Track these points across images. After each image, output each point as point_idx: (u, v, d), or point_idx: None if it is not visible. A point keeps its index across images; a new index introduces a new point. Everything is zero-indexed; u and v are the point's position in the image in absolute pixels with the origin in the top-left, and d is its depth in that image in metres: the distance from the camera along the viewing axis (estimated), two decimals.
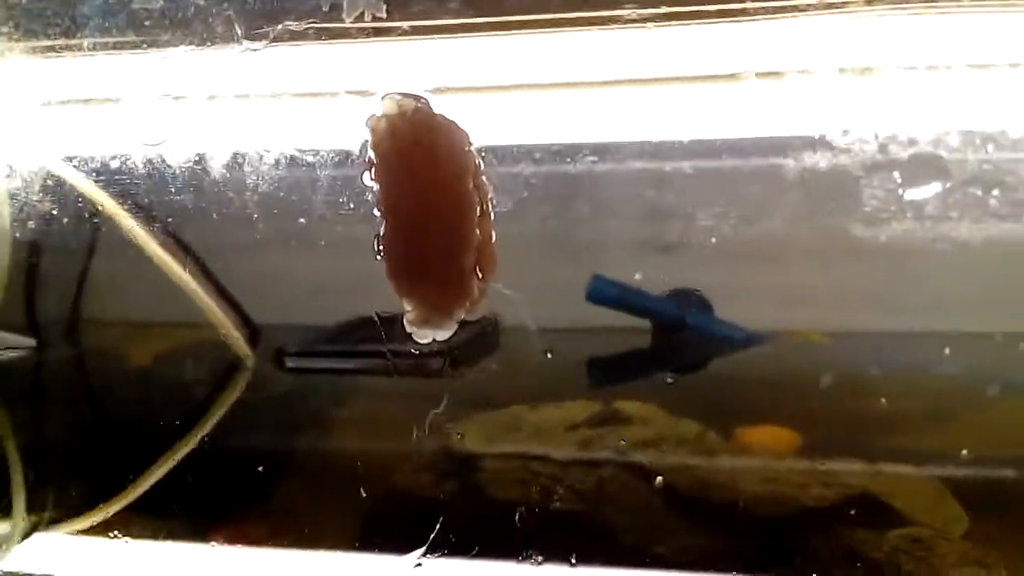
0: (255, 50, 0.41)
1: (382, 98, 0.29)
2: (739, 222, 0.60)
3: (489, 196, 0.31)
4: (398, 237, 0.30)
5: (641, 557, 0.42)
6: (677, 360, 0.64)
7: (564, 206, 0.62)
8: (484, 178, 0.30)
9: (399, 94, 0.29)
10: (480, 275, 0.31)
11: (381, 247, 0.30)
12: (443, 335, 0.33)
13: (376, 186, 0.30)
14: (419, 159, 0.29)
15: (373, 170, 0.30)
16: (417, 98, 0.29)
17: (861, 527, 0.43)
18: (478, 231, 0.31)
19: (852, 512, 0.44)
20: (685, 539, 0.44)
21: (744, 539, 0.44)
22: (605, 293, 0.64)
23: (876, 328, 0.59)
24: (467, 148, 0.30)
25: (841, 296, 0.60)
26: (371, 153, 0.29)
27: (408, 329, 0.32)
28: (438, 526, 0.39)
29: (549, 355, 0.49)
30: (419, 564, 0.39)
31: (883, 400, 0.51)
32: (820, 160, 0.58)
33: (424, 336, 0.33)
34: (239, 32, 0.41)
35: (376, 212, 0.30)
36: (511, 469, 0.47)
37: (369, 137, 0.29)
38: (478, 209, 0.30)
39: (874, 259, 0.57)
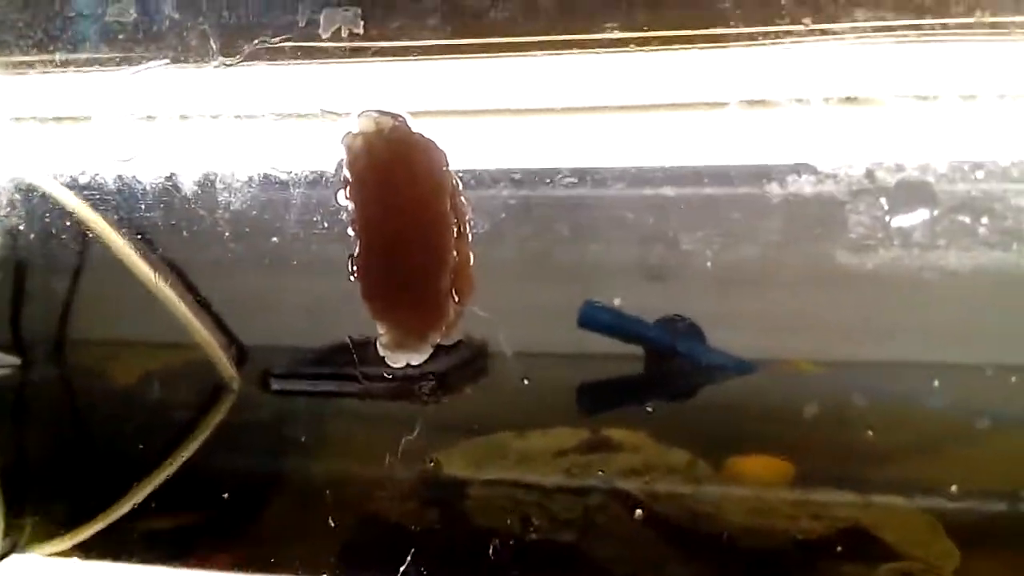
0: (229, 65, 0.40)
1: (358, 115, 0.28)
2: (730, 249, 0.60)
3: (467, 217, 0.30)
4: (373, 258, 0.29)
5: None
6: (668, 387, 0.64)
7: (550, 233, 0.62)
8: (462, 199, 0.30)
9: (376, 111, 0.28)
10: (456, 298, 0.31)
11: (355, 268, 0.30)
12: (417, 359, 0.32)
13: (351, 205, 0.29)
14: (395, 178, 0.29)
15: (348, 189, 0.29)
16: (395, 116, 0.29)
17: (851, 561, 0.42)
18: (455, 252, 0.30)
19: (842, 545, 0.43)
20: (673, 570, 0.43)
21: (732, 572, 0.43)
22: (597, 319, 0.63)
23: (867, 358, 0.58)
24: (445, 168, 0.29)
25: (832, 325, 0.60)
26: (346, 171, 0.29)
27: (381, 353, 0.32)
28: (412, 554, 0.39)
29: (526, 381, 0.48)
30: None
31: (873, 431, 0.51)
32: (810, 188, 0.58)
33: (397, 360, 0.32)
34: (214, 48, 0.41)
35: (350, 232, 0.29)
36: (496, 497, 0.47)
37: (344, 155, 0.28)
38: (455, 230, 0.30)
39: (865, 288, 0.57)
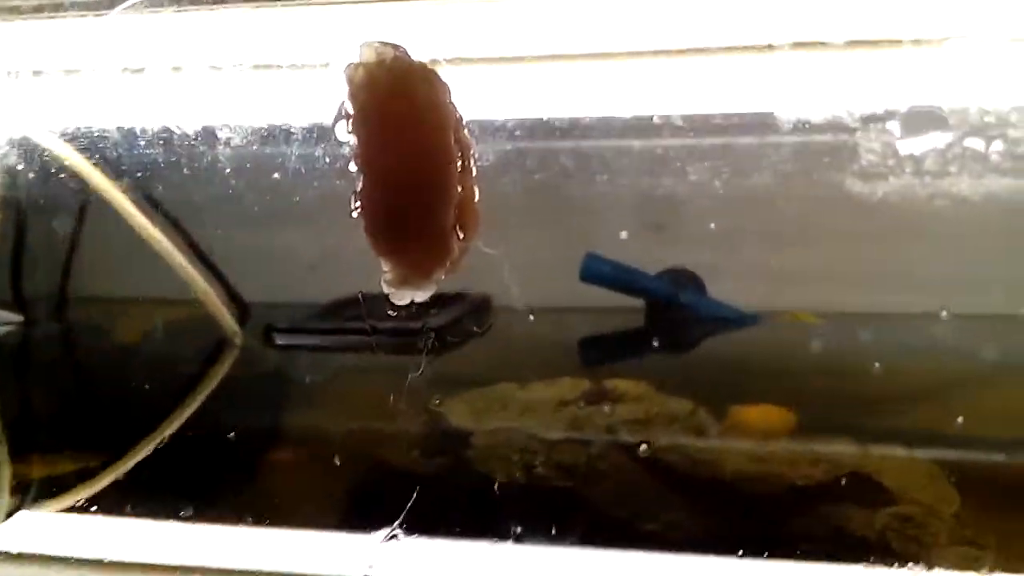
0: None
1: (360, 45, 0.28)
2: (732, 201, 0.60)
3: (472, 152, 0.30)
4: (375, 193, 0.29)
5: (629, 534, 0.42)
6: (670, 339, 0.64)
7: (554, 186, 0.62)
8: (466, 132, 0.29)
9: (378, 42, 0.28)
10: (461, 234, 0.30)
11: (358, 203, 0.29)
12: (422, 296, 0.32)
13: (353, 139, 0.29)
14: (398, 110, 0.28)
15: (350, 122, 0.29)
16: (396, 47, 0.28)
17: (851, 505, 0.42)
18: (459, 187, 0.29)
19: (842, 490, 0.43)
20: (674, 517, 0.43)
21: (733, 517, 0.43)
22: (598, 271, 0.63)
23: (867, 308, 0.58)
24: (448, 99, 0.29)
25: (833, 275, 0.60)
26: (347, 104, 0.28)
27: (385, 289, 0.31)
28: (416, 502, 0.39)
29: (532, 317, 0.48)
30: (394, 536, 0.38)
31: (874, 379, 0.51)
32: (814, 139, 0.57)
33: (402, 297, 0.32)
34: None
35: (352, 167, 0.29)
36: (499, 445, 0.47)
37: (346, 87, 0.28)
38: (459, 164, 0.29)
39: (866, 238, 0.57)
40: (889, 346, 0.57)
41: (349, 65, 0.28)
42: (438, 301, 0.59)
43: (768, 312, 0.62)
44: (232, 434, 0.52)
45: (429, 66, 0.28)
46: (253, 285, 0.64)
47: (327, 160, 0.60)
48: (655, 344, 0.64)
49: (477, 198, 0.31)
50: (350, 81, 0.28)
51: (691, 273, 0.63)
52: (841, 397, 0.52)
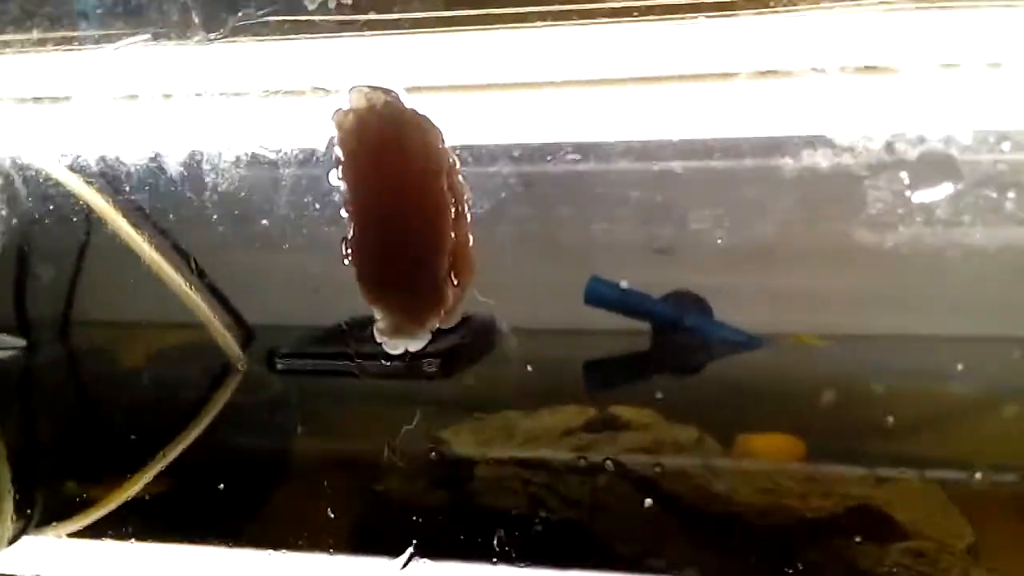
0: (212, 41, 0.39)
1: (349, 91, 0.27)
2: (738, 224, 0.59)
3: (465, 197, 0.29)
4: (367, 240, 0.28)
5: (634, 568, 0.41)
6: (676, 363, 0.63)
7: (553, 210, 0.61)
8: (460, 178, 0.29)
9: (367, 87, 0.27)
10: (455, 281, 0.30)
11: (349, 250, 0.29)
12: (415, 346, 0.31)
13: (343, 185, 0.28)
14: (389, 157, 0.28)
15: (340, 168, 0.28)
16: (387, 91, 0.28)
17: (862, 540, 0.41)
18: (453, 234, 0.29)
19: (853, 524, 0.42)
20: (681, 550, 0.42)
21: (742, 551, 0.42)
22: (602, 295, 0.63)
23: (876, 332, 0.58)
24: (441, 145, 0.28)
25: (841, 299, 0.59)
26: (338, 150, 0.28)
27: (378, 339, 0.31)
28: (419, 534, 0.38)
29: (529, 368, 0.48)
30: (398, 566, 0.38)
31: (884, 407, 0.50)
32: (820, 161, 0.57)
33: (395, 347, 0.31)
34: (197, 21, 0.40)
35: (344, 213, 0.28)
36: (503, 476, 0.46)
37: (335, 133, 0.27)
38: (453, 210, 0.29)
39: (874, 262, 0.56)
40: (900, 372, 0.56)
41: (338, 111, 0.27)
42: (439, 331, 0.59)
43: (774, 335, 0.62)
44: (236, 459, 0.52)
45: (420, 112, 0.27)
46: (257, 308, 0.64)
47: (329, 184, 0.60)
48: (661, 369, 0.63)
49: (471, 244, 0.30)
50: (339, 127, 0.27)
51: (696, 296, 0.63)
52: (850, 423, 0.52)
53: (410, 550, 0.38)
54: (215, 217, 0.59)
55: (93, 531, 0.50)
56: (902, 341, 0.58)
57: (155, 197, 0.58)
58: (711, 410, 0.54)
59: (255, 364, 0.60)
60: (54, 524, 0.51)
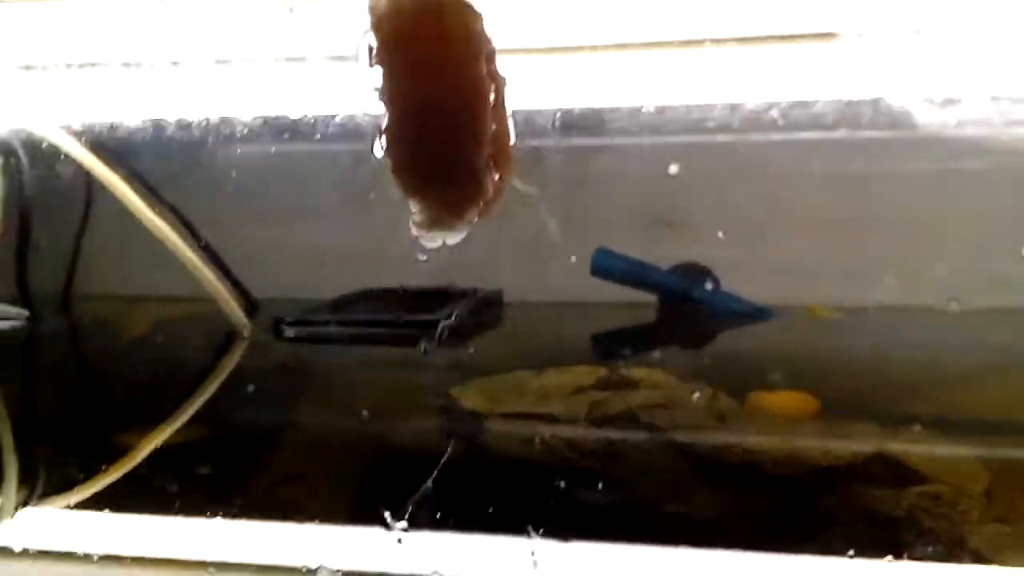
0: None
1: None
2: (746, 194, 0.59)
3: (505, 87, 0.29)
4: (403, 129, 0.28)
5: (650, 518, 0.41)
6: (683, 334, 0.63)
7: (566, 181, 0.61)
8: (498, 68, 0.28)
9: None
10: (495, 172, 0.29)
11: (384, 141, 0.28)
12: (453, 239, 0.30)
13: (378, 72, 0.28)
14: (425, 40, 0.27)
15: (374, 54, 0.28)
16: None
17: (878, 486, 0.41)
18: (493, 124, 0.28)
19: (868, 472, 0.42)
20: (698, 497, 0.42)
21: (758, 498, 0.42)
22: (609, 266, 0.63)
23: (887, 301, 0.58)
24: (481, 28, 0.27)
25: (850, 269, 0.59)
26: (371, 35, 0.27)
27: (415, 232, 0.30)
28: (430, 490, 0.38)
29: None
30: (406, 529, 0.37)
31: (896, 368, 0.50)
32: (829, 130, 0.57)
33: (432, 240, 0.30)
34: None
35: (378, 102, 0.28)
36: (514, 430, 0.46)
37: (368, 17, 0.27)
38: (492, 99, 0.28)
39: (881, 230, 0.56)
40: (907, 337, 0.56)
41: None
42: (448, 296, 0.59)
43: (784, 307, 0.62)
44: (241, 426, 0.51)
45: None
46: (261, 282, 0.63)
47: (337, 155, 0.60)
48: (669, 340, 0.63)
49: (513, 138, 0.30)
50: (372, 10, 0.27)
51: (704, 267, 0.63)
52: (863, 386, 0.52)
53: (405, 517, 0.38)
54: (220, 189, 0.58)
55: (96, 502, 0.49)
56: (913, 312, 0.59)
57: (158, 166, 0.57)
58: (721, 377, 0.54)
59: (260, 332, 0.59)
60: (57, 496, 0.50)
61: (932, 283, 0.57)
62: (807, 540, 0.37)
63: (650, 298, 0.63)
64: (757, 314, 0.61)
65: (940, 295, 0.54)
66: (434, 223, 0.29)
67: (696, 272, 0.63)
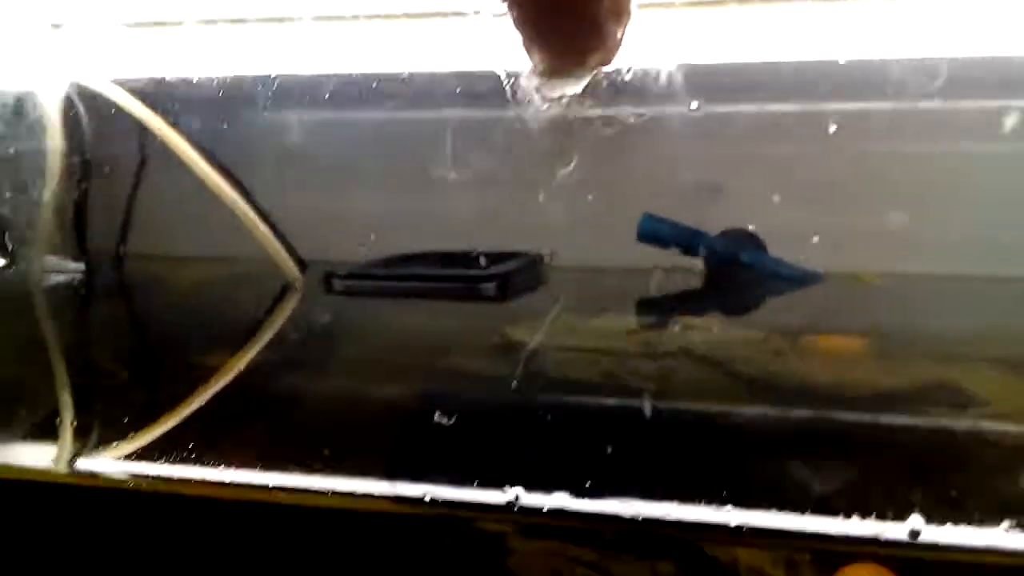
0: None
1: None
2: (793, 162, 0.59)
3: None
4: None
5: (705, 432, 0.40)
6: (730, 299, 0.63)
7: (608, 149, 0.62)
8: None
9: None
10: (615, 20, 0.29)
11: None
12: (574, 88, 0.30)
13: None
14: None
15: None
16: None
17: (935, 410, 0.41)
18: None
19: (926, 396, 0.42)
20: (751, 417, 0.42)
21: (812, 421, 0.42)
22: (656, 231, 0.63)
23: (932, 270, 0.58)
24: None
25: (897, 237, 0.59)
26: None
27: (536, 83, 0.30)
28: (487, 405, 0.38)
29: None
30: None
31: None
32: (872, 99, 0.57)
33: (553, 89, 0.30)
34: None
35: None
36: (571, 359, 0.46)
37: None
38: None
39: (928, 200, 0.56)
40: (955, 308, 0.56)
41: None
42: (496, 259, 0.59)
43: (830, 272, 0.61)
44: (293, 376, 0.52)
45: None
46: (309, 244, 0.64)
47: (390, 121, 0.61)
48: (716, 304, 0.63)
49: None
50: None
51: (751, 233, 0.62)
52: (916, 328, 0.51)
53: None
54: (273, 149, 0.59)
55: (151, 452, 0.50)
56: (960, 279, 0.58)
57: (210, 125, 0.58)
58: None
59: (311, 287, 0.60)
60: (112, 445, 0.51)
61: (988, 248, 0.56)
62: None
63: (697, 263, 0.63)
64: (806, 278, 0.61)
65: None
66: (555, 72, 0.29)
67: (744, 237, 0.63)
